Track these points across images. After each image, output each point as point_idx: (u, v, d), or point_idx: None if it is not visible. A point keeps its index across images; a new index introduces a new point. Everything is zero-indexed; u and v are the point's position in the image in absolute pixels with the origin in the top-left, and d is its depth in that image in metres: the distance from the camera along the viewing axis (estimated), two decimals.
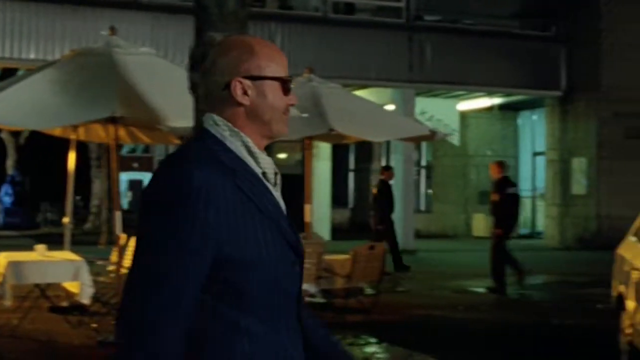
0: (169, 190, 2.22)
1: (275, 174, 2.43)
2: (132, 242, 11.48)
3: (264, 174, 2.37)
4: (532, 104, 24.24)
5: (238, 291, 2.25)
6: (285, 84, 2.43)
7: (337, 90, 11.74)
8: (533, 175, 25.39)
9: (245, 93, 2.39)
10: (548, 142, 22.69)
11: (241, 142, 2.37)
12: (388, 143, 24.49)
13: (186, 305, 2.20)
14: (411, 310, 11.92)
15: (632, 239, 8.37)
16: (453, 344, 9.66)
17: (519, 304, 13.13)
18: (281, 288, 2.33)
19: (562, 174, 21.93)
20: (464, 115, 24.47)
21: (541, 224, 23.80)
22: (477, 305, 12.61)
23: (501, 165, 13.90)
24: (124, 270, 10.86)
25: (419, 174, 27.57)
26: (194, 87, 5.24)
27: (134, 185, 51.23)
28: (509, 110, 25.45)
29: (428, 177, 26.14)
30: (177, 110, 8.25)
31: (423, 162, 26.72)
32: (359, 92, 23.47)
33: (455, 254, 20.69)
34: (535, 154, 25.07)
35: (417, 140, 12.28)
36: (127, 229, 9.96)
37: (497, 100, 24.12)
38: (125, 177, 47.78)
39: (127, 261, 11.22)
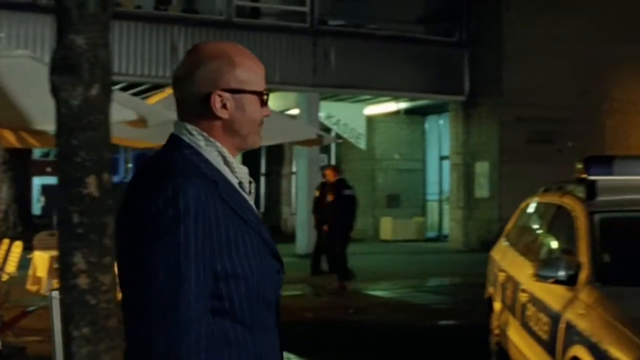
0: (164, 207, 2.16)
1: (250, 182, 2.42)
2: (17, 247, 11.29)
3: (240, 183, 2.36)
4: (438, 108, 24.48)
5: (227, 303, 2.23)
6: (263, 97, 2.41)
7: None
8: (440, 179, 25.65)
9: (224, 107, 2.35)
10: (452, 146, 22.94)
11: (217, 152, 2.34)
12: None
13: (204, 324, 2.17)
14: (302, 313, 11.92)
15: (503, 242, 8.49)
16: (326, 345, 9.71)
17: (414, 306, 13.23)
18: (266, 297, 2.32)
19: (466, 178, 22.20)
20: (371, 120, 24.59)
21: (447, 227, 24.05)
22: (368, 308, 12.68)
23: (336, 169, 15.74)
24: (5, 276, 10.70)
25: None
26: (55, 90, 5.11)
27: (47, 190, 50.40)
28: (416, 114, 25.66)
29: None
30: (47, 113, 8.09)
31: None
32: None
33: (361, 257, 20.75)
34: (442, 158, 25.33)
35: (306, 144, 12.27)
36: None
37: (403, 105, 24.29)
38: (38, 181, 46.83)
39: (11, 267, 11.04)
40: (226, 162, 2.34)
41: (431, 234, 25.73)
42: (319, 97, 21.07)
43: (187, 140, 2.33)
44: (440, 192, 25.62)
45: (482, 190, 21.66)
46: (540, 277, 5.79)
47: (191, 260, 2.14)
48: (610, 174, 6.56)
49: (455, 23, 22.28)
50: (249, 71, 2.37)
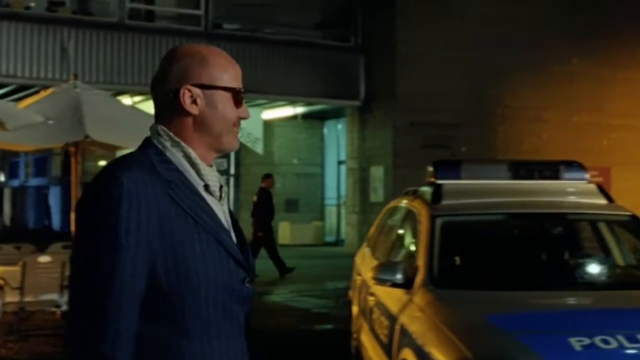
0: (98, 197, 2.12)
1: (221, 187, 2.34)
2: None
3: (206, 186, 2.28)
4: (336, 113, 24.57)
5: (174, 310, 2.13)
6: (237, 96, 2.34)
7: (101, 97, 11.51)
8: (338, 183, 25.76)
9: (194, 102, 2.30)
10: (348, 151, 23.05)
11: (182, 153, 2.28)
12: None
13: (135, 327, 2.10)
14: None
15: (365, 246, 8.54)
16: None
17: (295, 310, 13.22)
18: (225, 307, 2.21)
19: (361, 183, 22.31)
20: (268, 124, 24.55)
21: (345, 231, 24.15)
22: None
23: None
24: None
25: (228, 182, 27.51)
26: None
27: None
28: (315, 119, 25.72)
29: (236, 185, 26.11)
30: None
31: (232, 171, 26.67)
32: None
33: (258, 261, 20.69)
34: (340, 162, 25.45)
35: None
36: None
37: (300, 110, 24.32)
38: None
39: None
40: (192, 164, 2.28)
41: (329, 238, 25.81)
42: None
43: (154, 141, 2.30)
44: (338, 197, 25.74)
45: (376, 194, 21.79)
46: (378, 280, 5.82)
47: (122, 255, 2.07)
48: (458, 178, 6.65)
49: (350, 28, 22.40)
50: (221, 69, 2.32)
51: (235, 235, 2.37)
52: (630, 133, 23.17)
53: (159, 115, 2.34)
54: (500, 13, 21.50)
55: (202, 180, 2.28)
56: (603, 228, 6.85)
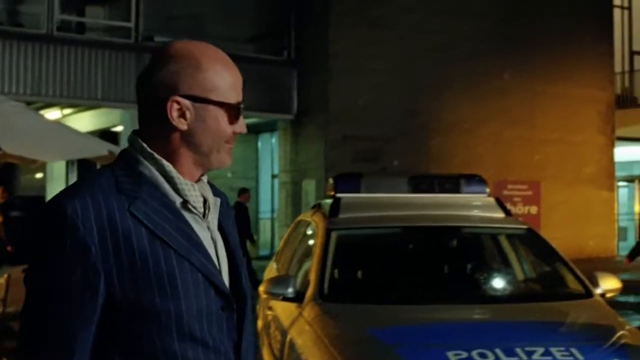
0: (40, 229, 1.92)
1: (205, 202, 2.09)
2: None
3: (184, 202, 2.03)
4: (270, 126, 24.53)
5: (137, 341, 1.93)
6: (232, 111, 2.07)
7: (16, 109, 11.34)
8: (272, 197, 25.69)
9: (182, 116, 2.03)
10: (281, 164, 23.02)
11: (156, 166, 2.03)
12: None
13: (80, 354, 1.91)
14: None
15: (273, 261, 8.49)
16: None
17: None
18: (194, 335, 1.97)
19: (294, 196, 22.28)
20: None
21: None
22: None
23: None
24: None
25: None
26: None
27: None
28: (249, 132, 25.59)
29: None
30: None
31: None
32: (88, 113, 23.06)
33: None
34: (274, 176, 25.39)
35: (99, 161, 12.01)
36: None
37: None
38: None
39: None
40: (167, 178, 2.02)
41: (264, 251, 25.69)
42: None
43: (127, 154, 2.07)
44: (272, 211, 25.66)
45: (309, 208, 21.74)
46: (270, 294, 5.78)
47: (63, 292, 1.88)
48: (358, 191, 6.64)
49: (283, 42, 22.39)
50: (217, 77, 2.04)
51: (229, 256, 2.14)
52: (561, 147, 23.47)
53: (141, 122, 2.09)
54: (433, 27, 21.64)
55: (180, 195, 2.03)
56: (502, 241, 6.89)
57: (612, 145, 24.92)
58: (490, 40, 22.44)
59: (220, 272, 2.07)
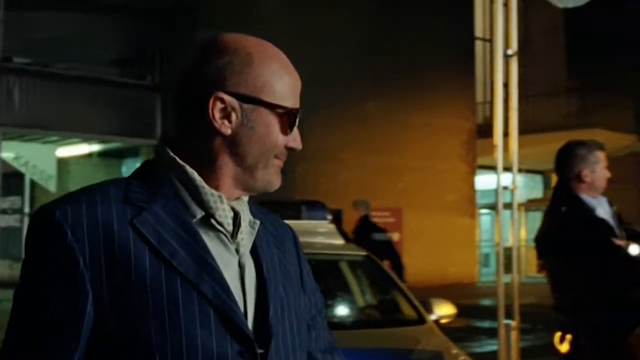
0: (27, 239, 1.63)
1: (235, 216, 1.69)
2: None
3: (206, 217, 1.66)
4: (134, 151, 24.18)
5: None
6: (287, 117, 1.71)
7: None
8: None
9: (226, 117, 1.67)
10: None
11: (177, 175, 1.68)
12: None
13: None
14: None
15: None
16: None
17: None
18: None
19: None
20: (64, 161, 23.90)
21: None
22: None
23: None
24: None
25: (22, 221, 26.59)
26: None
27: None
28: (112, 157, 25.24)
29: None
30: None
31: (27, 209, 25.79)
32: None
33: None
34: None
35: None
36: None
37: (96, 147, 23.81)
38: None
39: None
40: (189, 187, 1.66)
41: None
42: (0, 137, 20.19)
43: (147, 162, 1.75)
44: None
45: None
46: None
47: (39, 313, 1.56)
48: None
49: (148, 66, 22.15)
50: (272, 76, 1.70)
51: (260, 285, 1.71)
52: (425, 175, 23.91)
53: (177, 127, 1.75)
54: (297, 54, 21.64)
55: (203, 208, 1.66)
56: (343, 268, 6.90)
57: (474, 174, 25.54)
58: (355, 69, 22.73)
59: (241, 306, 1.65)
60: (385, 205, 22.22)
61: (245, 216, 1.73)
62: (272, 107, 1.70)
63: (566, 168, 4.77)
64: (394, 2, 23.39)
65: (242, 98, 1.68)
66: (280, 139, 1.71)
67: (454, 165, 24.89)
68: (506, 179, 6.67)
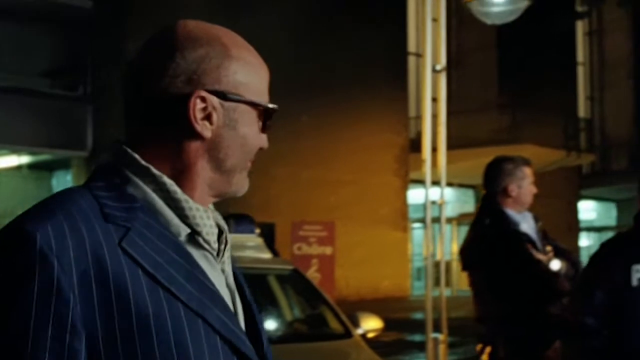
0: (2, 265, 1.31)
1: (220, 234, 1.52)
2: None
3: (192, 234, 1.47)
4: (65, 164, 23.87)
5: None
6: (266, 116, 1.56)
7: None
8: None
9: (207, 118, 1.48)
10: None
11: (153, 185, 1.46)
12: None
13: None
14: None
15: None
16: None
17: None
18: None
19: None
20: None
21: None
22: None
23: None
24: None
25: None
26: None
27: None
28: (42, 169, 24.87)
29: None
30: None
31: None
32: None
33: None
34: None
35: None
36: None
37: (25, 159, 23.44)
38: None
39: None
40: (170, 201, 1.45)
41: None
42: None
43: (108, 169, 1.48)
44: None
45: None
46: None
47: (25, 343, 1.28)
48: None
49: (79, 77, 21.90)
50: (251, 71, 1.54)
51: (246, 310, 1.58)
52: (357, 189, 23.98)
53: (133, 128, 1.52)
54: None
55: (188, 225, 1.47)
56: (271, 282, 6.87)
57: (406, 188, 25.70)
58: (286, 83, 22.69)
59: (245, 333, 1.50)
60: (318, 219, 22.23)
61: (227, 229, 1.57)
62: (253, 105, 1.54)
63: (493, 182, 4.84)
64: (326, 15, 23.48)
65: (224, 96, 1.49)
66: (258, 139, 1.57)
67: (386, 179, 25.02)
68: (435, 193, 6.71)
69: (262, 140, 1.58)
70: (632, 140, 32.73)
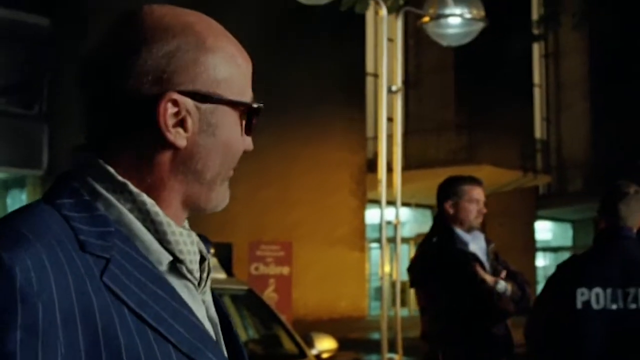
0: None
1: (202, 261, 1.32)
2: None
3: (175, 262, 1.27)
4: (20, 182, 23.62)
5: None
6: (250, 116, 1.34)
7: None
8: None
9: (180, 124, 1.25)
10: None
11: (131, 204, 1.25)
12: None
13: None
14: None
15: None
16: None
17: None
18: None
19: None
20: None
21: None
22: None
23: None
24: None
25: None
26: None
27: None
28: None
29: None
30: None
31: None
32: None
33: None
34: None
35: None
36: None
37: None
38: None
39: None
40: (148, 224, 1.25)
41: None
42: None
43: (77, 184, 1.26)
44: None
45: None
46: None
47: None
48: None
49: (35, 96, 21.71)
50: (232, 64, 1.31)
51: (227, 343, 1.41)
52: (315, 209, 23.96)
53: (101, 135, 1.30)
54: None
55: (169, 251, 1.27)
56: (226, 302, 6.82)
57: (364, 208, 25.73)
58: None
59: None
60: (276, 239, 22.17)
61: (204, 254, 1.37)
62: (234, 104, 1.32)
63: (438, 201, 4.90)
64: (285, 34, 23.51)
65: (200, 97, 1.27)
66: (242, 143, 1.37)
67: (344, 199, 25.04)
68: (391, 213, 6.71)
69: (247, 143, 1.38)
70: (587, 161, 33.10)
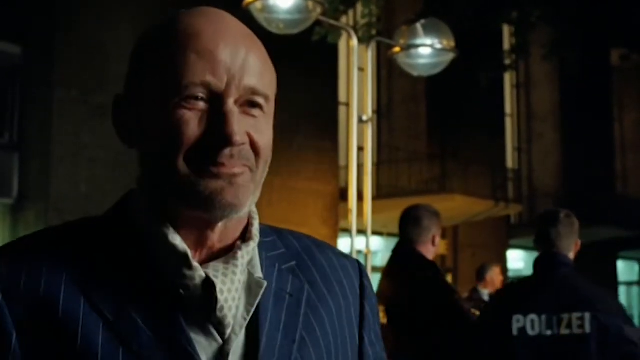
0: None
1: (212, 286, 1.19)
2: None
3: (171, 290, 1.17)
4: None
5: None
6: (186, 94, 1.26)
7: None
8: None
9: (123, 126, 1.31)
10: None
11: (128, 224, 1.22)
12: None
13: None
14: None
15: None
16: None
17: None
18: None
19: None
20: None
21: None
22: None
23: None
24: None
25: None
26: None
27: None
28: None
29: None
30: None
31: None
32: None
33: None
34: None
35: None
36: None
37: None
38: None
39: None
40: (136, 243, 1.21)
41: None
42: None
43: (124, 205, 1.31)
44: None
45: None
46: None
47: None
48: None
49: (6, 124, 21.57)
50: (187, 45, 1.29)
51: None
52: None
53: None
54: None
55: (187, 277, 1.18)
56: None
57: (336, 237, 25.67)
58: None
59: None
60: None
61: (230, 279, 1.22)
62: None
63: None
64: None
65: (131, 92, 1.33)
66: (195, 130, 1.34)
67: (316, 228, 24.96)
68: (362, 242, 6.69)
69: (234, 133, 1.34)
70: (558, 190, 33.26)
